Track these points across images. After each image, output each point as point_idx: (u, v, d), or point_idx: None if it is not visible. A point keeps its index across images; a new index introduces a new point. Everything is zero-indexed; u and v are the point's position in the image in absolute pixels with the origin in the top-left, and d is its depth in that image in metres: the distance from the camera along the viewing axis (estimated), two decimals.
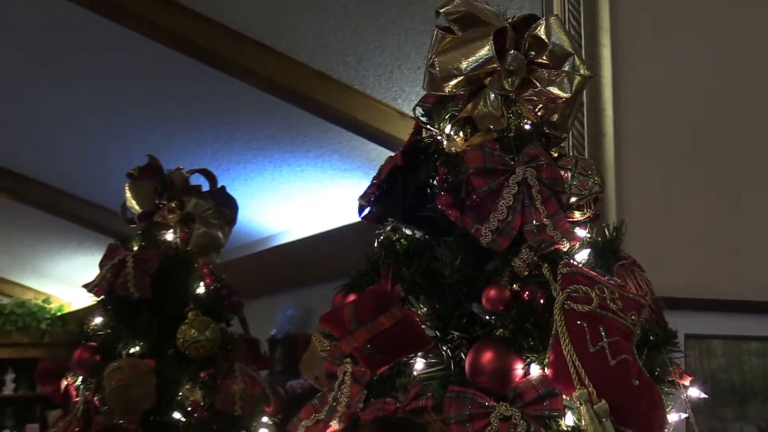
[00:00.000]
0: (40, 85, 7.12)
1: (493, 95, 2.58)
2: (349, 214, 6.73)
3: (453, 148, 2.63)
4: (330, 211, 7.57)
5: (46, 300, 12.41)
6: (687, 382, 2.69)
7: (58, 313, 12.24)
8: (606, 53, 3.82)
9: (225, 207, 4.12)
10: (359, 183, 2.73)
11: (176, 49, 5.95)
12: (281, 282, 8.48)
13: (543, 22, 2.61)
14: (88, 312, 4.12)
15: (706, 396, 2.75)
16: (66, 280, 11.46)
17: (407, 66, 5.72)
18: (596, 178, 2.66)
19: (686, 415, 2.69)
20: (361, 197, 2.75)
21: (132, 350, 3.78)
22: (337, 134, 6.51)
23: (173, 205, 4.06)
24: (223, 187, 4.17)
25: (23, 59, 6.78)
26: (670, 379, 2.62)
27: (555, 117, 2.65)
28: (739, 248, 4.08)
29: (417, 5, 5.13)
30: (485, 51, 2.57)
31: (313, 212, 7.86)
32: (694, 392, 2.71)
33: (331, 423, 2.54)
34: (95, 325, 3.96)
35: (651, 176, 3.90)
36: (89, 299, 4.11)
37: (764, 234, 4.12)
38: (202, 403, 3.78)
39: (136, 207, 4.07)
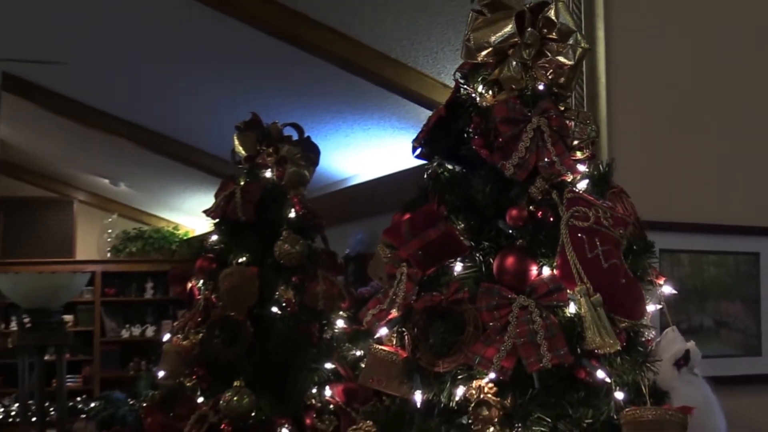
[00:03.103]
0: (172, 64, 7.16)
1: (514, 62, 2.58)
2: (405, 161, 6.73)
3: (484, 103, 2.64)
4: (390, 159, 7.58)
5: (176, 227, 12.46)
6: (661, 282, 2.69)
7: (184, 237, 12.30)
8: (600, 34, 3.81)
9: (310, 152, 4.13)
10: (412, 137, 2.75)
11: (273, 36, 5.96)
12: (353, 213, 8.50)
13: (553, 6, 2.61)
14: (206, 236, 4.15)
15: (676, 292, 2.74)
16: (190, 212, 11.50)
17: (449, 48, 5.72)
18: (593, 126, 2.68)
19: (660, 306, 2.69)
20: (414, 140, 2.77)
21: (240, 260, 3.80)
22: (395, 101, 6.52)
23: (270, 150, 4.07)
24: (308, 137, 4.18)
25: (159, 44, 6.81)
26: (649, 278, 2.62)
27: (562, 79, 2.64)
28: (701, 183, 4.08)
29: (455, 1, 5.12)
30: (509, 28, 2.58)
31: (377, 160, 7.86)
32: (667, 289, 2.71)
33: (391, 311, 2.56)
34: (212, 241, 3.98)
35: (634, 126, 3.91)
36: (207, 226, 4.14)
37: (721, 172, 4.13)
38: (293, 300, 3.79)
39: (243, 152, 4.08)
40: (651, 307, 2.62)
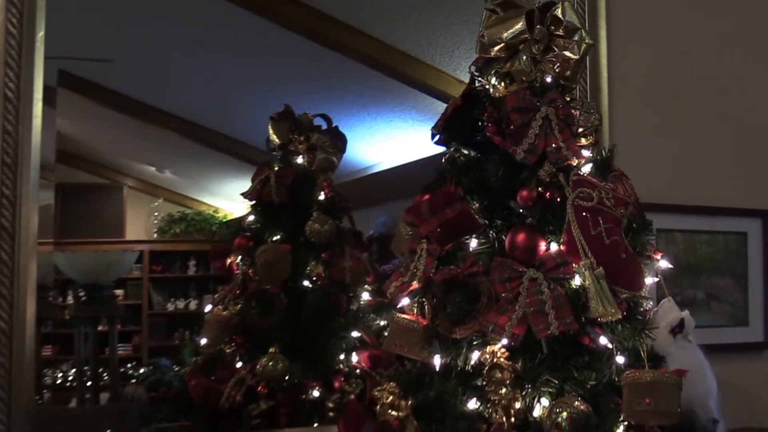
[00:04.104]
0: (213, 63, 7.15)
1: (525, 57, 2.57)
2: (423, 151, 6.72)
3: (497, 94, 2.63)
4: (410, 148, 7.57)
5: (215, 210, 12.41)
6: (658, 257, 2.68)
7: (223, 220, 12.28)
8: (603, 32, 3.83)
9: (338, 140, 4.13)
10: (430, 128, 2.80)
11: (305, 37, 5.96)
12: (376, 198, 8.44)
13: (560, 6, 2.60)
14: (243, 217, 4.13)
15: (671, 267, 2.73)
16: (228, 197, 11.45)
17: (463, 47, 5.69)
18: (596, 115, 2.67)
19: (657, 279, 2.69)
20: (433, 128, 2.77)
21: (274, 238, 3.79)
22: (415, 95, 6.49)
23: (302, 138, 4.07)
24: (336, 126, 4.19)
25: (202, 45, 6.81)
26: (647, 254, 2.61)
27: (568, 72, 2.64)
28: (694, 168, 4.11)
29: (469, 4, 5.11)
30: (520, 26, 2.57)
31: (398, 149, 7.85)
32: (663, 264, 2.69)
33: (412, 283, 2.55)
34: (249, 221, 3.97)
35: (633, 115, 3.94)
36: (243, 209, 4.13)
37: (712, 158, 4.16)
38: (323, 275, 3.79)
39: (277, 140, 4.08)
40: (649, 280, 2.62)
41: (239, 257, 3.92)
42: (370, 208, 8.66)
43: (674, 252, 3.99)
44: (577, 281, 2.41)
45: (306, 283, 3.79)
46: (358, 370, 3.53)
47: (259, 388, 3.49)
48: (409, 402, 2.52)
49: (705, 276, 4.14)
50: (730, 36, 4.32)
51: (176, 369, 3.91)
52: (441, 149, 2.79)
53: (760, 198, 4.32)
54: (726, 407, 2.70)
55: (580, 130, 2.62)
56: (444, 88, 6.03)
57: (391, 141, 7.84)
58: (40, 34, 2.91)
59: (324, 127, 4.14)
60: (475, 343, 2.45)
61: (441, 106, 2.82)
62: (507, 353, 2.40)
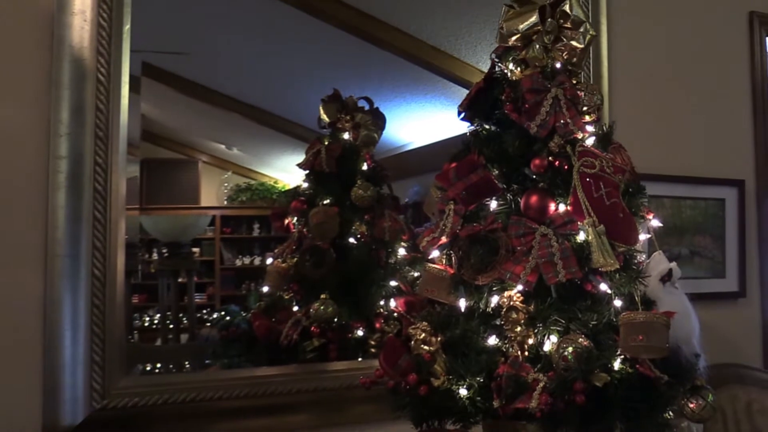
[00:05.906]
0: (273, 56, 7.14)
1: (538, 45, 2.55)
2: (450, 131, 6.69)
3: (514, 77, 2.60)
4: (438, 129, 7.54)
5: (275, 182, 12.45)
6: (650, 217, 2.66)
7: (282, 189, 12.32)
8: (604, 28, 3.82)
9: (378, 119, 4.15)
10: (457, 107, 2.87)
11: (350, 33, 5.93)
12: (410, 171, 8.42)
13: (567, 2, 2.58)
14: (298, 186, 4.14)
15: (661, 225, 2.71)
16: (285, 170, 11.49)
17: (485, 43, 5.64)
18: (599, 96, 2.64)
19: (649, 235, 2.67)
20: (460, 106, 2.76)
21: (325, 201, 3.79)
22: (444, 84, 6.45)
23: (348, 117, 4.08)
24: (377, 108, 4.20)
25: (264, 41, 6.79)
26: (641, 214, 2.59)
27: (574, 59, 2.61)
28: (681, 144, 4.10)
29: (489, 6, 5.07)
30: (533, 18, 2.54)
31: (428, 130, 7.82)
32: (654, 223, 2.67)
33: (441, 238, 2.54)
34: (303, 188, 3.99)
35: (629, 97, 3.94)
36: (298, 181, 4.14)
37: (696, 135, 4.17)
38: (365, 233, 3.78)
39: (326, 119, 4.10)
40: (642, 236, 2.60)
41: (295, 218, 3.93)
42: (405, 179, 8.60)
43: (663, 215, 4.00)
44: (581, 236, 2.40)
45: (351, 240, 3.79)
46: (395, 314, 3.53)
47: (313, 328, 3.50)
48: (439, 338, 2.52)
49: (689, 235, 4.15)
50: (714, 30, 4.33)
51: (243, 313, 3.93)
52: (465, 126, 2.78)
53: (737, 170, 4.36)
54: (706, 345, 2.68)
55: (585, 108, 2.59)
56: (468, 78, 6.00)
57: (422, 123, 7.82)
58: (127, 27, 2.96)
59: (366, 108, 4.14)
60: (494, 288, 2.45)
61: (465, 93, 2.81)
62: (522, 297, 2.40)
